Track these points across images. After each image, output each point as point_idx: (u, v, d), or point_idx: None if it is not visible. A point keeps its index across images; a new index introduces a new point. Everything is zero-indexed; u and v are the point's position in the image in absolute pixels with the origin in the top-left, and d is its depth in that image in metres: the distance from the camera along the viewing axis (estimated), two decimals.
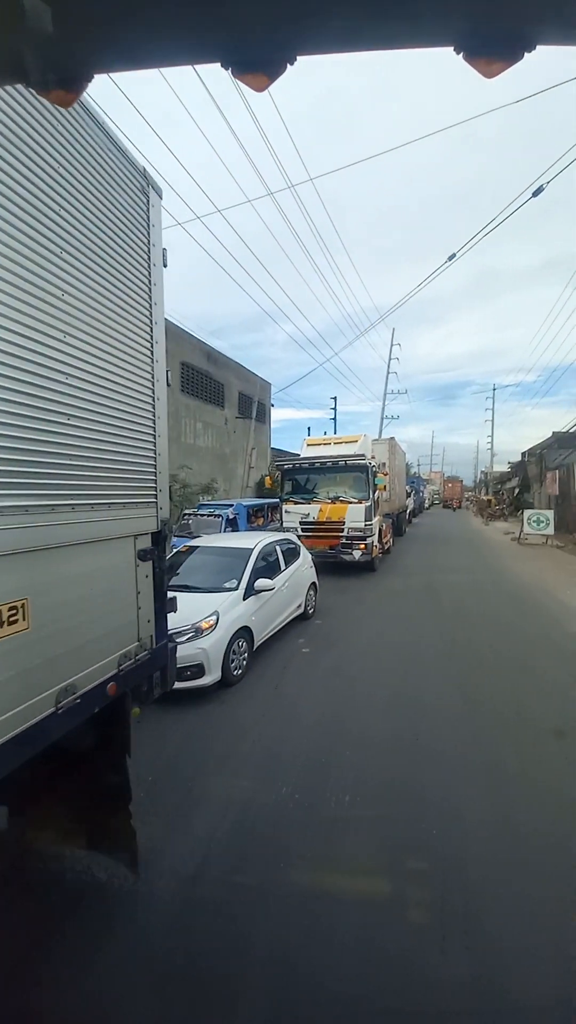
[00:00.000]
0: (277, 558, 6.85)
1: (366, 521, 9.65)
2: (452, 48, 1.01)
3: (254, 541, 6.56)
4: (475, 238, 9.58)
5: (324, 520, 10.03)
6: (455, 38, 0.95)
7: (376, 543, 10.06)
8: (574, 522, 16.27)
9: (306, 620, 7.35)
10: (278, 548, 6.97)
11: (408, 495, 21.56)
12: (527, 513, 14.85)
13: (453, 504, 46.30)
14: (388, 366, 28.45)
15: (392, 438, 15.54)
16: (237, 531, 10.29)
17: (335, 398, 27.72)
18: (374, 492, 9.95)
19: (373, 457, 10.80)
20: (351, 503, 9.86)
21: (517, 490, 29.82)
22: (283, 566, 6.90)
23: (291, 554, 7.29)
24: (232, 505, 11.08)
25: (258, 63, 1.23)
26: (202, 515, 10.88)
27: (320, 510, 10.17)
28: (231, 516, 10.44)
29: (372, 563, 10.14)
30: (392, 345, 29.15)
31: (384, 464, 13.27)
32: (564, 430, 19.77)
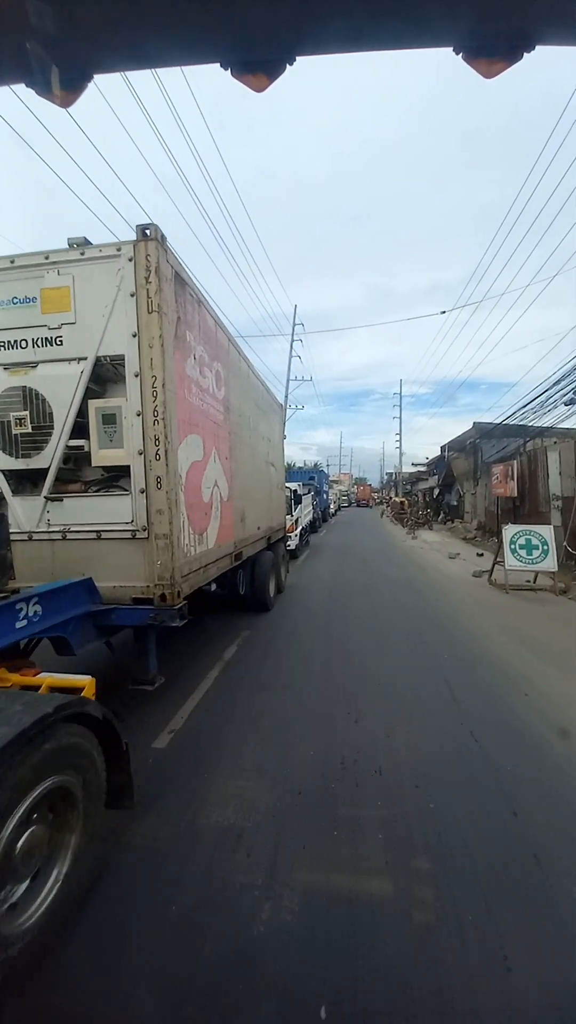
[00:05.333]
0: None
1: None
2: (452, 48, 1.02)
3: None
4: None
5: None
6: (457, 38, 0.96)
7: None
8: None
9: None
10: None
11: (299, 499, 12.17)
12: (509, 532, 7.84)
13: (368, 503, 53.03)
14: (292, 327, 25.76)
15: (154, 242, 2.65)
16: None
17: None
18: None
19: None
20: None
21: (437, 491, 26.36)
22: None
23: None
24: None
25: (259, 63, 1.20)
26: None
27: None
28: None
29: None
30: (294, 324, 26.02)
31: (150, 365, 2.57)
32: (497, 421, 15.84)
